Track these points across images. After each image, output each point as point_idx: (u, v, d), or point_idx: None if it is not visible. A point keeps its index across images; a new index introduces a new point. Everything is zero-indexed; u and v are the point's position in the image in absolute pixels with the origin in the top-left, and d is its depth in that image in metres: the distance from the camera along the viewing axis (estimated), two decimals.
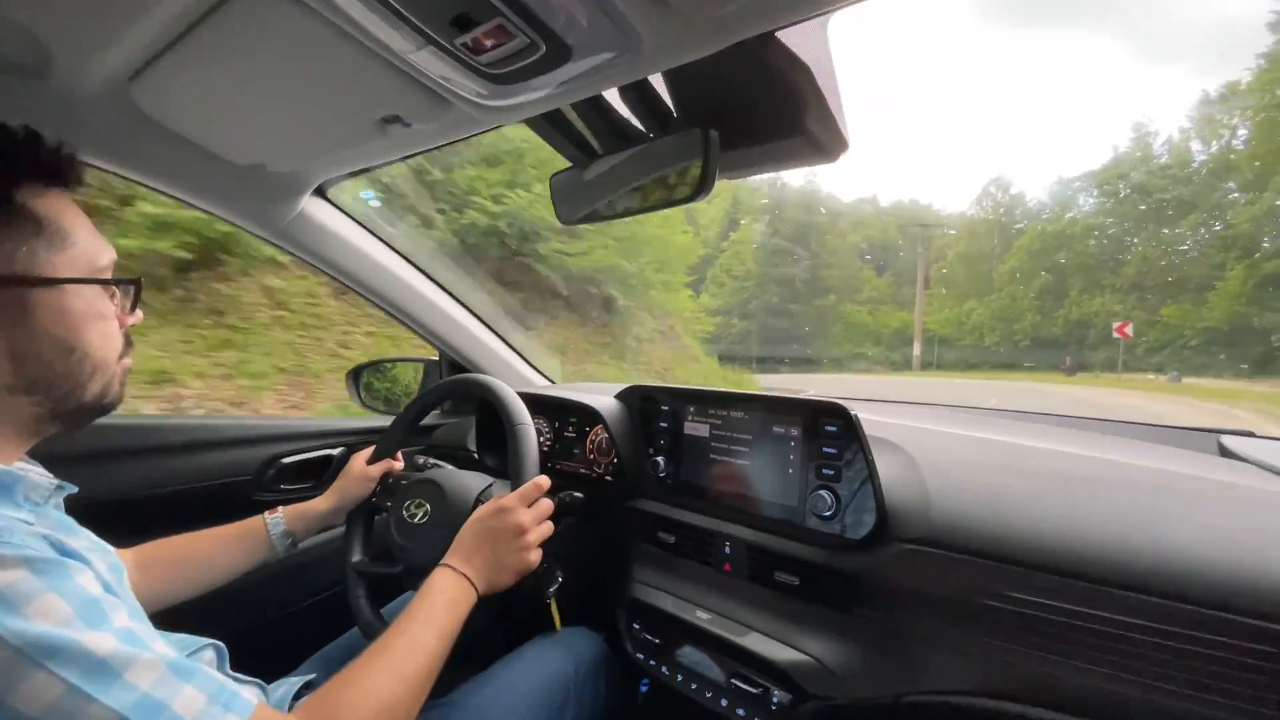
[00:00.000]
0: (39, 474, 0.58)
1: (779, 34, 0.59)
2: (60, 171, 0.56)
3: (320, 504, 0.97)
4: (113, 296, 0.60)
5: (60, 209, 0.55)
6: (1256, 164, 25.77)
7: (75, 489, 0.62)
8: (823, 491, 0.84)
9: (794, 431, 0.89)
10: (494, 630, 1.23)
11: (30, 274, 0.51)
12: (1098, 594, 0.64)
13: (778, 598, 0.89)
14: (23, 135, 0.54)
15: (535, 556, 0.81)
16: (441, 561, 0.76)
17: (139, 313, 0.64)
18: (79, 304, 0.55)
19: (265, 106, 0.80)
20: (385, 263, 1.28)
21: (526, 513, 0.80)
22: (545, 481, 0.85)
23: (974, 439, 0.94)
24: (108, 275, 0.59)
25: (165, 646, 0.48)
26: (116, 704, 0.40)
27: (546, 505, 0.84)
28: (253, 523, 0.92)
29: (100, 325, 0.57)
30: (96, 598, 0.45)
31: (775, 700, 0.83)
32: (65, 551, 0.49)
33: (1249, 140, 27.39)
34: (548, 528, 0.83)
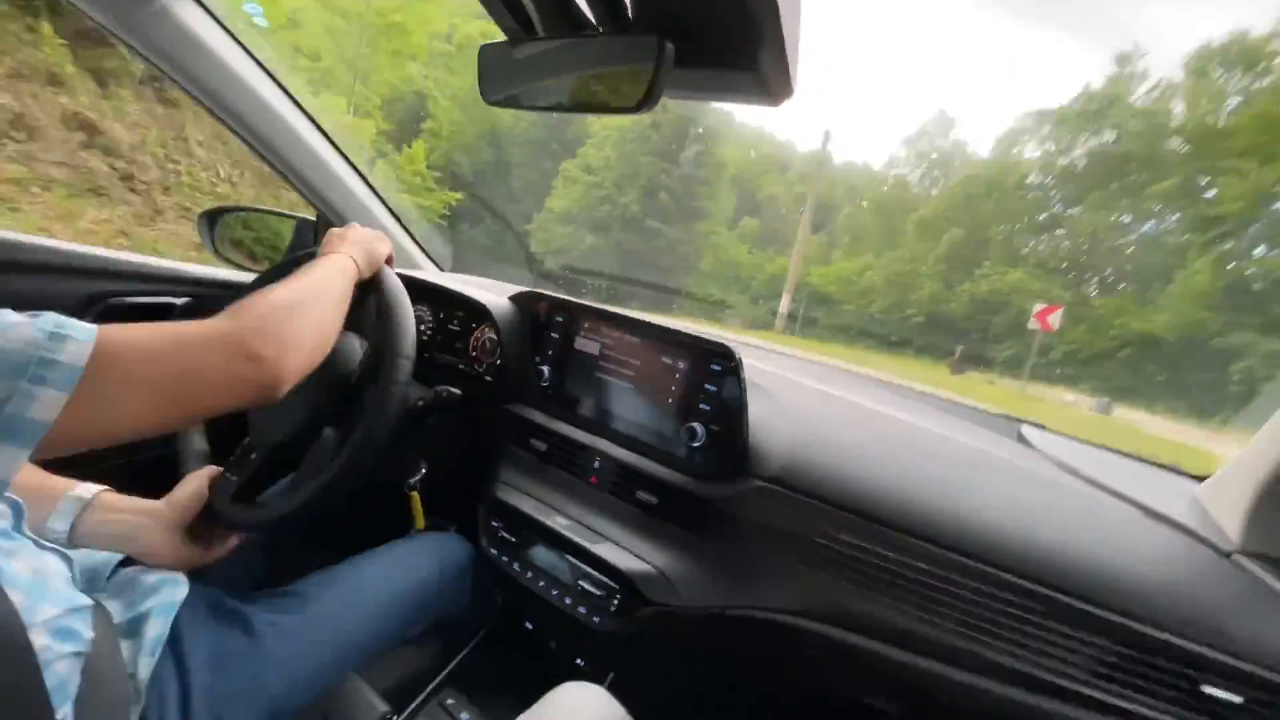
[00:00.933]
0: None
1: None
2: None
3: (135, 510, 0.75)
4: None
5: None
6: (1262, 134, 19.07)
7: None
8: (695, 424, 0.89)
9: (681, 364, 0.93)
10: (352, 518, 1.20)
11: None
12: (906, 543, 0.75)
13: (635, 514, 0.95)
14: None
15: (387, 245, 0.89)
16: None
17: None
18: None
19: None
20: (266, 96, 1.10)
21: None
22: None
23: (833, 396, 1.03)
24: None
25: None
26: None
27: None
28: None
29: None
30: None
31: (616, 601, 0.90)
32: None
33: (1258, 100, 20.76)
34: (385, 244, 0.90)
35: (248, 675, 0.68)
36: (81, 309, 1.09)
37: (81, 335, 0.47)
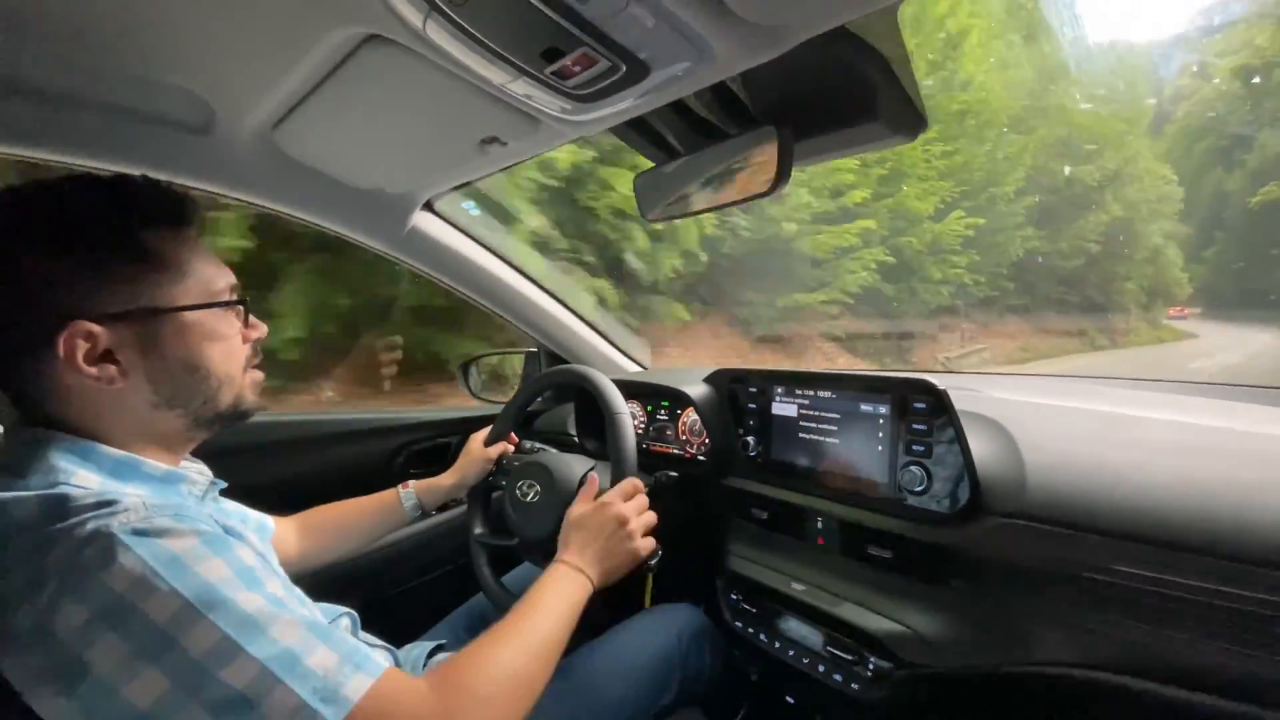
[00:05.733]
0: (198, 472, 0.66)
1: (847, 26, 0.61)
2: (179, 213, 0.61)
3: (444, 479, 1.10)
4: (237, 316, 0.66)
5: (178, 245, 0.60)
6: None
7: (225, 484, 0.71)
8: (913, 467, 0.85)
9: (882, 410, 0.91)
10: (598, 603, 1.33)
11: (153, 306, 0.57)
12: (1203, 565, 0.62)
13: (871, 571, 0.91)
14: (142, 182, 0.59)
15: (645, 544, 0.86)
16: (557, 558, 0.82)
17: (262, 326, 0.70)
18: (198, 327, 0.60)
19: (384, 138, 0.91)
20: (487, 265, 1.39)
21: (625, 505, 0.87)
22: (639, 484, 0.92)
23: (1071, 409, 0.91)
24: (225, 298, 0.64)
25: (308, 611, 0.55)
26: (260, 654, 0.46)
27: (643, 498, 0.91)
28: (389, 495, 1.07)
29: (220, 344, 0.63)
30: (252, 566, 0.52)
31: (871, 666, 0.86)
32: (227, 530, 0.57)
33: None
34: (651, 516, 0.90)
35: None
36: (393, 457, 1.45)
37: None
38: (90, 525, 0.46)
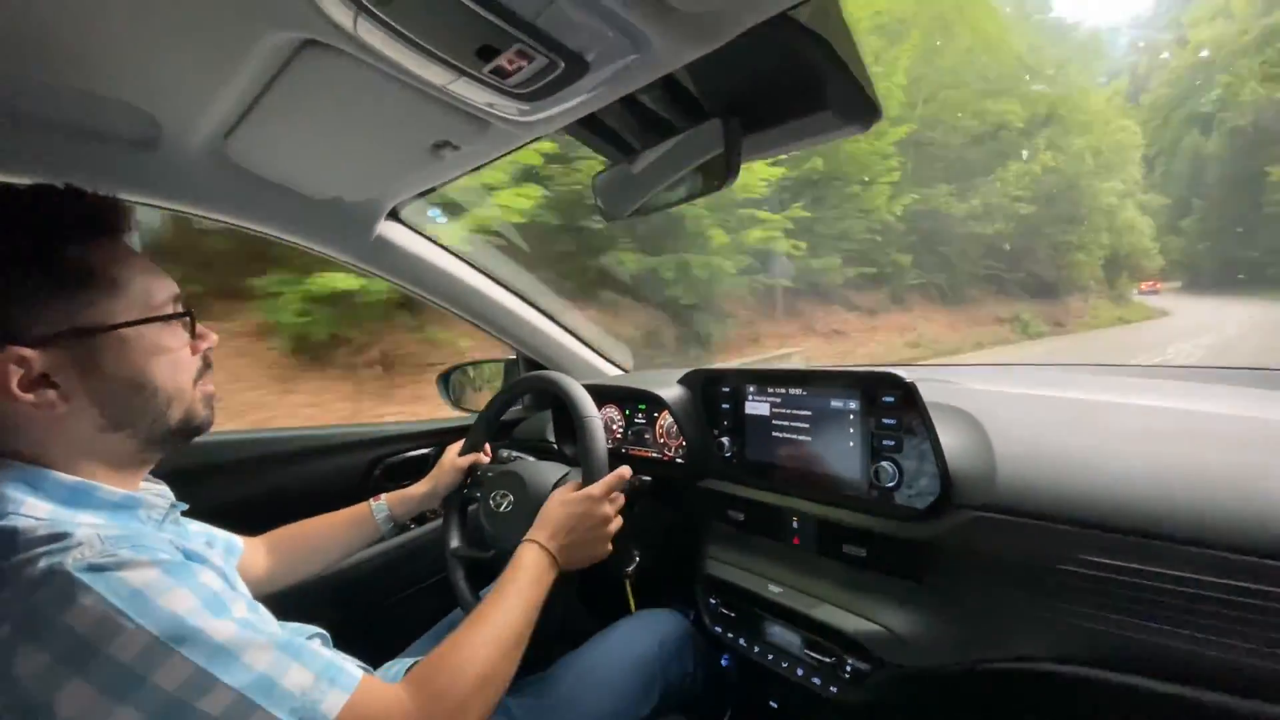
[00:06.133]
0: (157, 495, 0.64)
1: (790, 13, 0.60)
2: (108, 221, 0.57)
3: (416, 489, 1.08)
4: (184, 327, 0.62)
5: (110, 256, 0.57)
6: None
7: (186, 506, 0.67)
8: (885, 463, 0.84)
9: (852, 405, 0.89)
10: (581, 611, 1.31)
11: (87, 325, 0.54)
12: (1178, 553, 0.61)
13: (847, 569, 0.90)
14: (64, 190, 0.56)
15: (607, 549, 0.87)
16: (528, 537, 0.82)
17: (212, 336, 0.66)
18: (140, 343, 0.57)
19: (335, 146, 0.90)
20: (457, 273, 1.37)
21: (609, 505, 0.87)
22: (628, 471, 0.91)
23: (1041, 398, 0.90)
24: (167, 310, 0.61)
25: (278, 629, 0.54)
26: (235, 683, 0.46)
27: (621, 500, 0.91)
28: (360, 509, 1.04)
29: (166, 358, 0.60)
30: (218, 592, 0.51)
31: (849, 668, 0.84)
32: (189, 555, 0.55)
33: None
34: (619, 520, 0.89)
35: None
36: (368, 471, 1.42)
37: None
38: (43, 563, 0.44)
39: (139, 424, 0.59)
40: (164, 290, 0.61)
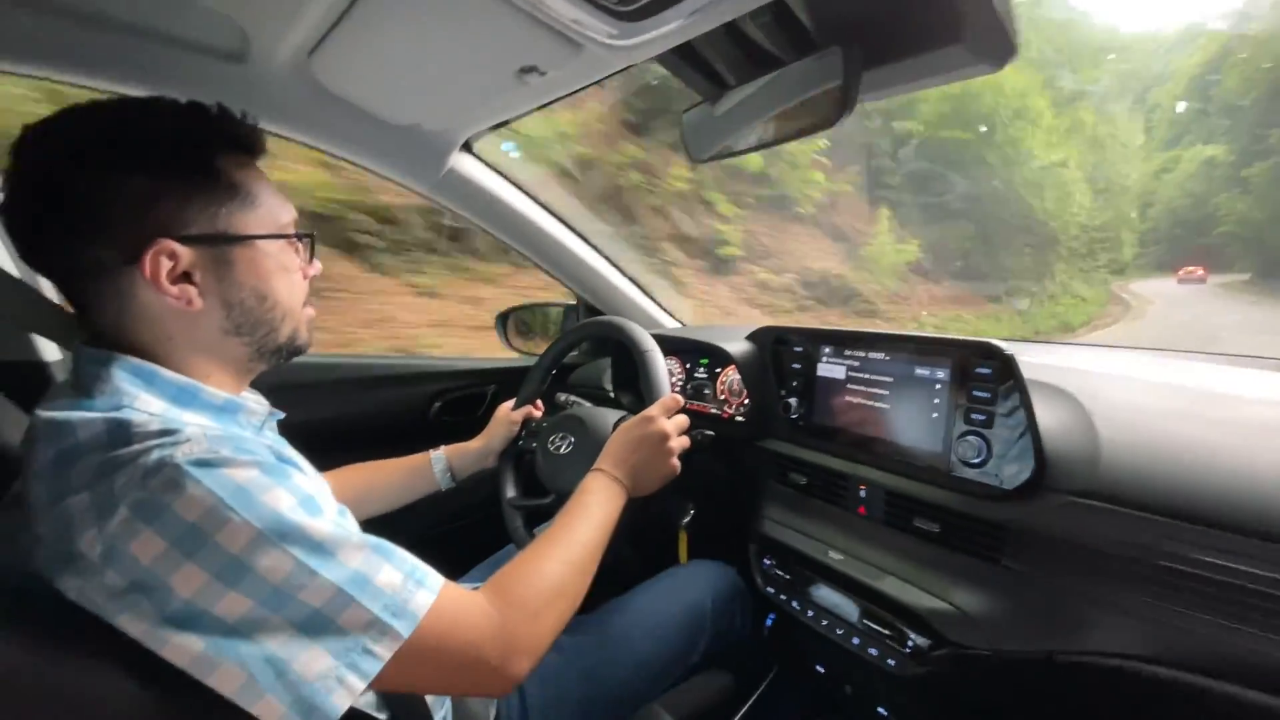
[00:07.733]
0: (256, 402, 0.68)
1: None
2: (250, 142, 0.61)
3: (473, 444, 1.09)
4: (296, 251, 0.66)
5: (250, 175, 0.61)
6: None
7: (283, 414, 0.72)
8: (971, 437, 0.79)
9: (940, 374, 0.84)
10: (632, 556, 1.33)
11: (230, 232, 0.58)
12: None
13: (916, 543, 0.86)
14: (216, 111, 0.59)
15: (677, 465, 0.86)
16: (594, 467, 0.83)
17: (317, 264, 0.70)
18: (269, 258, 0.61)
19: (419, 68, 0.87)
20: (526, 212, 1.35)
21: (668, 422, 0.86)
22: (679, 398, 0.90)
23: (1153, 383, 0.82)
24: (290, 231, 0.65)
25: (365, 534, 0.56)
26: (334, 577, 0.48)
27: (684, 419, 0.90)
28: (420, 459, 1.05)
29: (286, 276, 0.63)
30: (312, 494, 0.53)
31: (910, 643, 0.82)
32: (283, 459, 0.57)
33: None
34: (685, 440, 0.89)
35: (556, 687, 0.83)
36: (429, 404, 1.45)
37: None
38: (155, 454, 0.46)
39: (256, 333, 0.62)
40: (288, 214, 0.65)
